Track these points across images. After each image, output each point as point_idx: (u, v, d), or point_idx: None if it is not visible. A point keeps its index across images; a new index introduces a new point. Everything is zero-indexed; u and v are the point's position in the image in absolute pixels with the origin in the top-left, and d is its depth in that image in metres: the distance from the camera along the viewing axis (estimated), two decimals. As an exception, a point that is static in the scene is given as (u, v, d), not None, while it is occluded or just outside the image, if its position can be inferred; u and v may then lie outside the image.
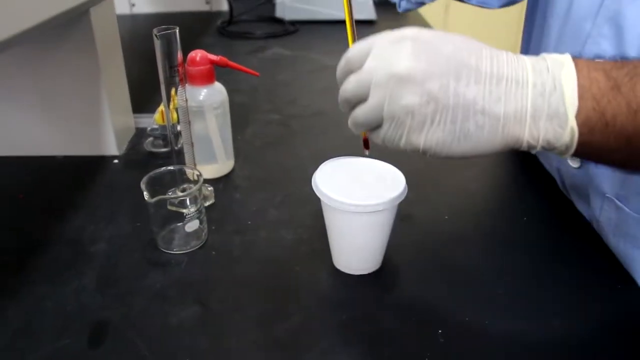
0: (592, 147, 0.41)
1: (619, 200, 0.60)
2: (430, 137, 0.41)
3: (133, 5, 1.75)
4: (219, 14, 1.74)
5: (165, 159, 0.81)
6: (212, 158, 0.75)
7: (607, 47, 0.57)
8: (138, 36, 1.47)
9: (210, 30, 1.56)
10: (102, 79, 0.77)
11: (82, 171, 0.79)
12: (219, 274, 0.59)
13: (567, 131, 0.40)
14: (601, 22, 0.57)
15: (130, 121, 0.90)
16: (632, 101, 0.39)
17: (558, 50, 0.64)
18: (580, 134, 0.40)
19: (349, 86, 0.44)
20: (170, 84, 0.62)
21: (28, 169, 0.80)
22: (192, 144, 0.67)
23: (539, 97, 0.40)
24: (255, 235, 0.65)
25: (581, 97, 0.39)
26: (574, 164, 0.65)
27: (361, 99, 0.43)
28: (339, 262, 0.59)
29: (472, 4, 0.79)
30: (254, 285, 0.57)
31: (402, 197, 0.54)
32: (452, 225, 0.67)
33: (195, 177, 0.63)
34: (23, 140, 0.82)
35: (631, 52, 0.54)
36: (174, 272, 0.59)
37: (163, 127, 0.83)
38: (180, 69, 0.62)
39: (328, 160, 0.59)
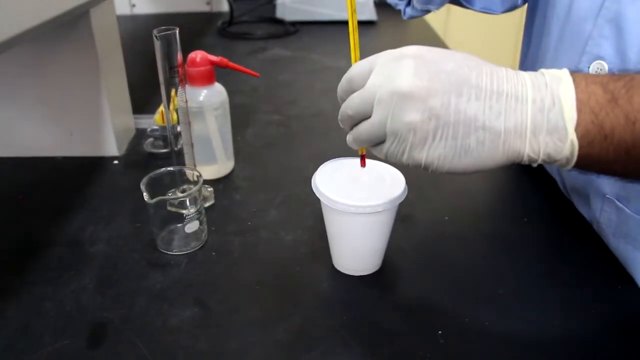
0: (592, 159, 0.41)
1: (620, 202, 0.60)
2: (432, 153, 0.41)
3: (133, 5, 1.75)
4: (219, 14, 1.75)
5: (165, 159, 0.81)
6: (212, 159, 0.75)
7: (607, 48, 0.57)
8: (138, 37, 1.47)
9: (210, 31, 1.56)
10: (102, 79, 0.77)
11: (82, 172, 0.79)
12: (218, 275, 0.59)
13: (567, 145, 0.40)
14: (602, 23, 0.57)
15: (131, 122, 0.90)
16: (630, 113, 0.39)
17: (559, 50, 0.64)
18: (580, 146, 0.40)
19: (352, 103, 0.45)
20: (170, 84, 0.62)
21: (28, 170, 0.80)
22: (192, 144, 0.67)
23: (538, 112, 0.40)
24: (255, 236, 0.65)
25: (580, 110, 0.40)
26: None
27: (364, 116, 0.44)
28: (338, 263, 0.59)
29: (475, 10, 0.79)
30: (254, 286, 0.57)
31: (402, 198, 0.54)
32: (453, 225, 0.67)
33: (195, 178, 0.63)
34: (23, 141, 0.82)
35: (632, 53, 0.54)
36: (173, 273, 0.59)
37: (163, 128, 0.83)
38: (180, 69, 0.62)
39: (328, 161, 0.59)
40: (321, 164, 0.59)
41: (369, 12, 1.60)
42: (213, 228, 0.66)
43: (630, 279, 0.59)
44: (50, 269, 0.60)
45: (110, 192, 0.74)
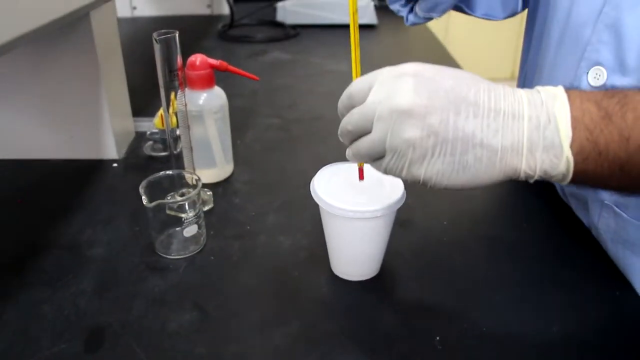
0: (587, 175, 0.42)
1: (618, 207, 0.60)
2: (431, 169, 0.42)
3: (134, 8, 1.75)
4: (219, 17, 1.75)
5: (165, 163, 0.81)
6: (211, 162, 0.75)
7: (606, 54, 0.57)
8: (139, 39, 1.48)
9: (211, 34, 1.56)
10: (102, 82, 0.77)
11: (82, 175, 0.79)
12: (217, 279, 0.59)
13: (563, 161, 0.41)
14: (600, 29, 0.57)
15: (130, 125, 0.90)
16: (624, 129, 0.40)
17: (558, 55, 0.64)
18: (576, 163, 0.41)
19: (352, 119, 0.45)
20: (169, 88, 0.62)
21: (27, 172, 0.80)
22: (191, 148, 0.67)
23: (534, 129, 0.41)
24: (254, 241, 0.65)
25: (574, 128, 0.41)
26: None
27: (364, 132, 0.45)
28: (337, 268, 0.59)
29: (477, 16, 0.79)
30: (253, 291, 0.57)
31: (401, 203, 0.54)
32: (451, 231, 0.67)
33: (194, 182, 0.63)
34: (22, 144, 0.82)
35: (630, 59, 0.54)
36: (172, 277, 0.59)
37: (162, 131, 0.83)
38: (179, 73, 0.62)
39: (327, 166, 0.59)
40: (320, 168, 0.59)
41: (369, 16, 1.60)
42: (212, 232, 0.66)
43: (628, 284, 0.59)
44: (49, 272, 0.59)
45: (110, 195, 0.74)
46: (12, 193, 0.75)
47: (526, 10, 0.80)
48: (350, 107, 0.46)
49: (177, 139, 0.66)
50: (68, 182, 0.77)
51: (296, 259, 0.62)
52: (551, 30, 0.67)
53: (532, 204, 0.72)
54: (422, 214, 0.69)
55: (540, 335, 0.52)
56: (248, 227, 0.67)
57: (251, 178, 0.78)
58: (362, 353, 0.50)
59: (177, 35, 0.60)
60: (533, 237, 0.66)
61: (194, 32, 1.58)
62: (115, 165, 0.82)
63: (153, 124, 0.85)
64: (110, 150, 0.83)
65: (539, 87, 0.44)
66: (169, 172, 0.64)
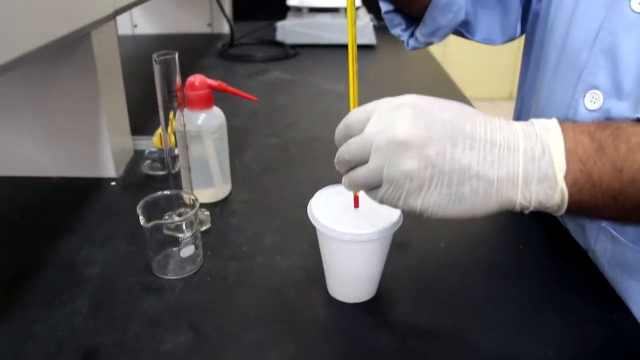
0: (581, 206, 0.43)
1: (615, 231, 0.60)
2: (428, 200, 0.42)
3: (135, 26, 1.76)
4: (220, 36, 1.76)
5: (163, 182, 0.81)
6: (209, 182, 0.75)
7: (602, 78, 0.57)
8: (139, 57, 1.48)
9: (211, 53, 1.57)
10: (102, 101, 0.77)
11: (80, 193, 0.79)
12: (213, 300, 0.59)
13: (558, 192, 0.42)
14: (597, 53, 0.58)
15: (129, 143, 0.90)
16: (617, 161, 0.41)
17: (555, 79, 0.65)
18: (570, 194, 0.42)
19: (350, 149, 0.45)
20: (168, 108, 0.63)
21: (25, 190, 0.80)
22: (189, 168, 0.67)
23: (529, 161, 0.42)
24: (251, 261, 0.65)
25: (568, 160, 0.42)
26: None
27: (361, 162, 0.45)
28: (333, 290, 0.59)
29: (477, 41, 0.79)
30: (249, 312, 0.57)
31: (398, 226, 0.54)
32: (448, 253, 0.67)
33: (192, 202, 0.63)
34: (21, 161, 0.82)
35: (626, 83, 0.55)
36: (168, 298, 0.59)
37: (161, 151, 0.83)
38: (179, 93, 0.62)
39: (324, 188, 0.59)
40: (319, 188, 0.59)
41: (368, 36, 1.61)
42: (209, 252, 0.66)
43: (626, 307, 0.59)
44: (44, 292, 0.59)
45: (107, 214, 0.74)
46: (10, 210, 0.75)
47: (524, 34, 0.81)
48: (348, 136, 0.46)
49: (175, 158, 0.67)
50: (66, 200, 0.77)
51: (293, 280, 0.62)
52: (548, 54, 0.67)
53: (529, 226, 0.72)
54: (419, 236, 0.69)
55: (538, 358, 0.52)
56: (245, 248, 0.67)
57: (249, 198, 0.78)
58: (357, 377, 0.50)
59: (176, 56, 0.60)
60: (530, 259, 0.66)
61: (194, 50, 1.59)
62: (113, 183, 0.82)
63: (152, 143, 0.85)
64: (109, 168, 0.83)
65: (533, 120, 0.44)
66: (167, 192, 0.64)
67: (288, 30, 1.63)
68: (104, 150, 0.81)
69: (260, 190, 0.81)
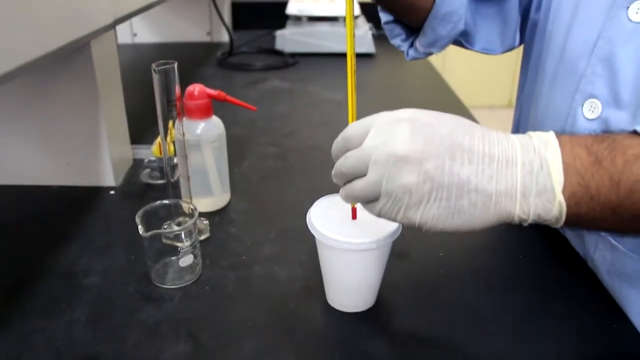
0: (580, 218, 0.43)
1: (614, 239, 0.60)
2: (427, 214, 0.43)
3: (135, 35, 1.77)
4: (219, 45, 1.77)
5: (162, 190, 0.81)
6: (208, 191, 0.75)
7: (600, 87, 0.57)
8: (139, 66, 1.49)
9: (210, 61, 1.57)
10: (101, 109, 0.77)
11: (79, 202, 0.79)
12: (212, 309, 0.59)
13: (556, 205, 0.42)
14: (595, 62, 0.58)
15: (128, 152, 0.90)
16: (614, 174, 0.42)
17: (553, 87, 0.65)
18: (568, 207, 0.42)
19: (348, 162, 0.46)
20: (167, 117, 0.63)
21: (23, 199, 0.80)
22: (188, 177, 0.67)
23: (527, 175, 0.42)
24: (249, 271, 0.64)
25: (566, 173, 0.42)
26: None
27: (358, 175, 0.45)
28: (332, 300, 0.59)
29: (476, 51, 0.80)
30: (248, 322, 0.57)
31: (397, 235, 0.54)
32: (448, 262, 0.67)
33: (191, 211, 0.63)
34: (20, 169, 0.82)
35: (624, 92, 0.55)
36: (167, 307, 0.59)
37: (160, 159, 0.83)
38: (178, 103, 0.62)
39: (324, 197, 0.59)
40: (317, 197, 0.59)
41: (367, 45, 1.62)
42: (208, 262, 0.66)
43: (625, 316, 0.58)
44: (42, 301, 0.59)
45: (106, 223, 0.74)
46: (9, 219, 0.75)
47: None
48: (346, 149, 0.46)
49: (174, 167, 0.67)
50: (65, 209, 0.77)
51: (292, 289, 0.62)
52: (546, 63, 0.68)
53: (528, 235, 0.72)
54: (418, 246, 0.69)
55: (537, 369, 0.52)
56: (244, 257, 0.67)
57: (248, 207, 0.78)
58: (357, 386, 0.50)
59: (175, 66, 0.60)
60: (529, 268, 0.66)
61: (194, 59, 1.59)
62: (112, 192, 0.82)
63: (151, 152, 0.85)
64: (108, 177, 0.83)
65: (530, 133, 0.45)
66: (166, 201, 0.64)
67: (287, 39, 1.64)
68: (103, 158, 0.81)
69: (259, 200, 0.81)
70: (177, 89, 0.62)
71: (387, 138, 0.43)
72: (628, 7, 0.55)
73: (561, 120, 0.63)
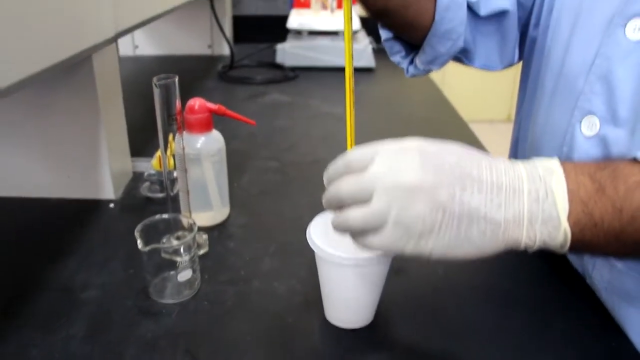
0: (584, 244, 0.44)
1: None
2: (437, 243, 0.43)
3: (136, 47, 1.78)
4: (220, 58, 1.77)
5: (162, 204, 0.81)
6: (207, 205, 0.75)
7: (598, 104, 0.58)
8: (140, 78, 1.49)
9: (211, 75, 1.58)
10: (102, 123, 0.78)
11: (78, 215, 0.79)
12: (210, 325, 0.58)
13: (561, 232, 0.43)
14: (593, 80, 0.58)
15: (128, 165, 0.90)
16: (616, 201, 0.43)
17: (552, 104, 0.65)
18: (573, 233, 0.43)
19: (347, 187, 0.46)
20: (168, 131, 0.63)
21: (23, 211, 0.80)
22: (187, 191, 0.67)
23: (534, 203, 0.43)
24: (248, 286, 0.64)
25: (571, 201, 0.43)
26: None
27: (358, 202, 0.45)
28: (331, 316, 0.59)
29: (475, 67, 0.80)
30: (246, 337, 0.57)
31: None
32: (446, 279, 0.67)
33: (190, 225, 0.63)
34: (19, 182, 0.82)
35: (622, 109, 0.55)
36: (165, 322, 0.59)
37: (160, 173, 0.83)
38: (178, 117, 0.62)
39: (323, 212, 0.59)
40: (317, 212, 0.59)
41: (367, 59, 1.62)
42: (206, 276, 0.65)
43: (624, 334, 0.58)
44: (40, 315, 0.59)
45: (105, 236, 0.74)
46: (8, 231, 0.75)
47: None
48: (343, 173, 0.47)
49: (174, 181, 0.67)
50: (64, 222, 0.77)
51: (290, 305, 0.62)
52: (545, 80, 0.68)
53: (526, 253, 0.72)
54: (417, 262, 0.69)
55: (535, 387, 0.52)
56: (242, 272, 0.67)
57: (247, 222, 0.78)
58: (355, 404, 0.49)
59: (176, 80, 0.60)
60: (528, 286, 0.66)
61: (195, 72, 1.60)
62: (112, 205, 0.82)
63: (151, 165, 0.85)
64: (108, 190, 0.83)
65: (535, 160, 0.46)
66: (165, 215, 0.64)
67: (288, 52, 1.65)
68: (103, 171, 0.81)
69: (259, 214, 0.81)
70: (178, 103, 0.62)
71: (396, 166, 0.44)
72: (625, 25, 0.55)
73: (560, 137, 0.63)
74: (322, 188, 0.46)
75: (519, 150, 0.79)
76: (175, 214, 0.65)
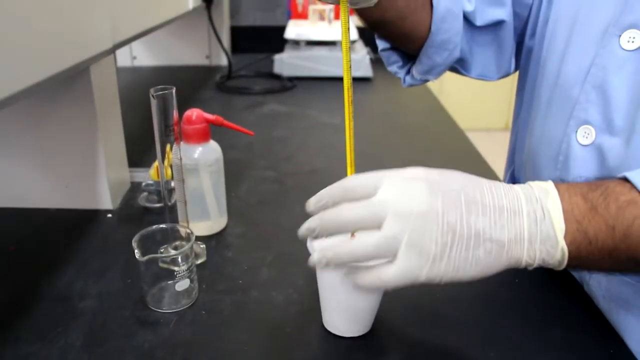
0: (580, 261, 0.47)
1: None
2: (449, 265, 0.45)
3: (134, 57, 1.78)
4: (218, 68, 1.78)
5: (159, 214, 0.81)
6: (205, 215, 0.75)
7: (594, 114, 0.58)
8: (138, 89, 1.50)
9: (209, 85, 1.58)
10: (100, 133, 0.78)
11: (76, 225, 0.79)
12: (208, 334, 0.58)
13: (558, 251, 0.46)
14: (588, 89, 0.59)
15: (126, 175, 0.90)
16: (609, 220, 0.45)
17: (548, 114, 0.65)
18: (569, 251, 0.46)
19: (352, 213, 0.46)
20: (165, 141, 0.63)
21: (21, 221, 0.80)
22: (185, 201, 0.67)
23: (532, 224, 0.46)
24: (246, 295, 0.64)
25: (566, 220, 0.46)
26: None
27: (366, 228, 0.46)
28: (329, 324, 0.59)
29: (472, 77, 0.81)
30: (244, 347, 0.57)
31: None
32: (445, 287, 0.66)
33: (187, 235, 0.63)
34: (17, 192, 0.82)
35: (617, 118, 0.55)
36: (163, 332, 0.58)
37: (158, 183, 0.83)
38: (175, 127, 0.63)
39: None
40: (313, 223, 0.59)
41: (364, 69, 1.63)
42: (204, 286, 0.65)
43: (622, 341, 0.58)
44: (37, 325, 0.59)
45: (103, 246, 0.74)
46: (5, 242, 0.75)
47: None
48: (342, 199, 0.48)
49: (171, 191, 0.67)
50: (62, 232, 0.77)
51: (288, 314, 0.62)
52: (541, 89, 0.68)
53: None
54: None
55: (533, 396, 0.52)
56: (240, 282, 0.67)
57: (245, 231, 0.78)
58: (352, 413, 0.49)
59: (173, 91, 0.61)
60: (525, 293, 0.66)
61: (193, 82, 1.60)
62: (109, 215, 0.82)
63: (148, 175, 0.86)
64: (105, 200, 0.83)
65: (530, 183, 0.48)
66: (163, 225, 0.64)
67: (285, 62, 1.65)
68: (100, 182, 0.81)
69: (256, 224, 0.81)
70: (175, 114, 0.62)
71: (404, 194, 0.45)
72: (620, 36, 0.55)
73: (556, 146, 0.63)
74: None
75: (516, 159, 0.79)
76: (173, 224, 0.65)
